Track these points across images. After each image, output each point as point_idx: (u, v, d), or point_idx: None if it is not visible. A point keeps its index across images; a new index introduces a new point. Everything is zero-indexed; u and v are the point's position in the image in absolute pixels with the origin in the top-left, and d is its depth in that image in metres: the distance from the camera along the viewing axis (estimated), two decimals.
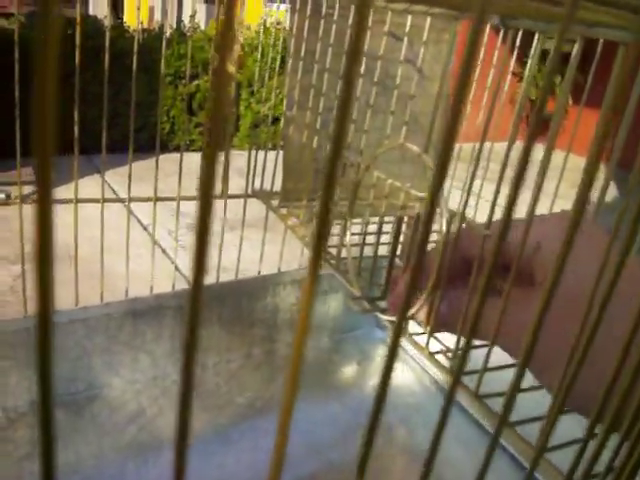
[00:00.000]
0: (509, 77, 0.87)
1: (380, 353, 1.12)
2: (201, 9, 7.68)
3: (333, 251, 0.74)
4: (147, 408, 0.94)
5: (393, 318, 0.61)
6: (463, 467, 0.89)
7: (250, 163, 0.90)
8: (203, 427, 0.94)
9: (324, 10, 0.74)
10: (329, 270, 1.03)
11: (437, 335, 0.63)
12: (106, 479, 0.90)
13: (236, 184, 1.12)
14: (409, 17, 0.70)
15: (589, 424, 0.40)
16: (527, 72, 0.61)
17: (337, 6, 0.72)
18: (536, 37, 0.63)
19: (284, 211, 0.83)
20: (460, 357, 0.29)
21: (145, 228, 3.54)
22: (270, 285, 1.00)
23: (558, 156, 0.70)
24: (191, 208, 1.06)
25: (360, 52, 0.17)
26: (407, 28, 0.71)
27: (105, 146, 0.97)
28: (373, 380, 1.11)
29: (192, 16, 4.64)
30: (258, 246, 1.08)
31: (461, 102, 0.23)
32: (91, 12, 6.40)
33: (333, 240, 0.75)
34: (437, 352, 0.61)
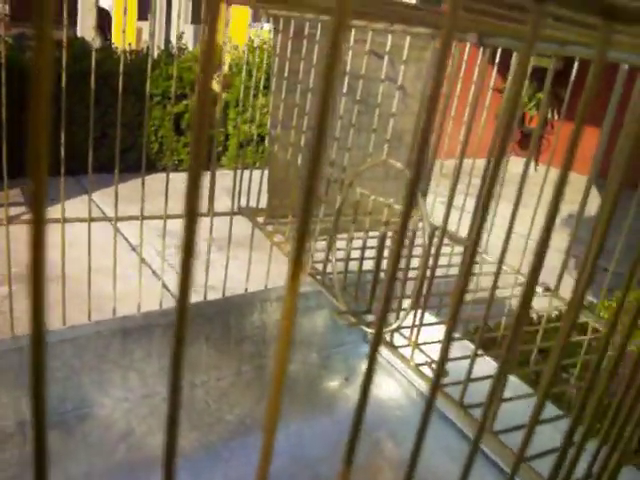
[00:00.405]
0: (489, 93, 0.89)
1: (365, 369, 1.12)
2: (189, 30, 7.73)
3: (319, 267, 0.75)
4: (136, 427, 0.94)
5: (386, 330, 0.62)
6: (448, 477, 0.90)
7: (236, 181, 0.91)
8: (192, 445, 0.94)
9: (307, 30, 0.76)
10: (316, 287, 1.04)
11: (422, 347, 0.64)
12: None
13: (223, 203, 1.13)
14: (389, 36, 0.72)
15: (567, 430, 0.41)
16: (507, 89, 0.62)
17: (319, 26, 0.74)
18: (514, 55, 0.65)
19: (270, 228, 0.84)
20: (439, 364, 0.30)
21: (134, 249, 3.53)
22: (257, 302, 1.01)
23: (551, 171, 0.71)
24: (179, 227, 1.06)
25: (334, 68, 0.18)
26: (388, 47, 0.72)
27: (93, 167, 0.98)
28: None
29: (179, 37, 4.67)
30: (245, 264, 1.09)
31: (431, 114, 0.24)
32: (79, 34, 6.42)
33: (319, 256, 0.76)
34: (422, 364, 0.62)
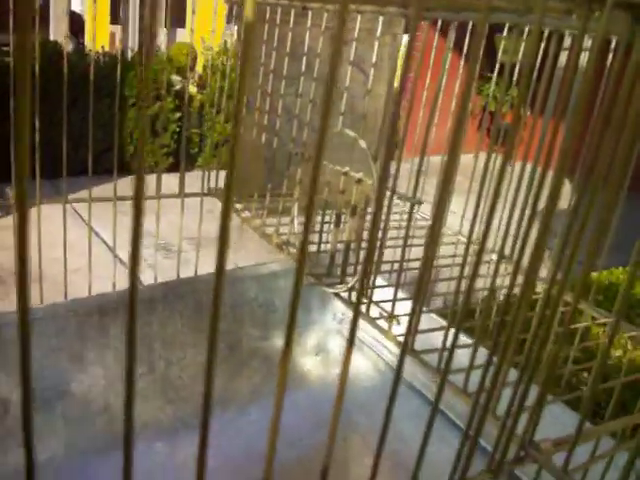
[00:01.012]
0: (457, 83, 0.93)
1: (337, 344, 1.17)
2: (162, 32, 7.74)
3: (285, 238, 0.79)
4: (113, 402, 0.97)
5: (336, 291, 0.67)
6: (416, 442, 0.94)
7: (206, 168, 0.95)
8: (169, 418, 0.98)
9: (267, 15, 0.80)
10: (284, 265, 1.08)
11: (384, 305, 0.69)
12: (76, 471, 0.93)
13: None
14: (359, 17, 0.76)
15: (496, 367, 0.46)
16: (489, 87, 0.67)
17: (279, 11, 0.79)
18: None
19: (239, 206, 0.89)
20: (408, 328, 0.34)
21: (111, 249, 3.55)
22: (229, 280, 1.05)
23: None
24: (152, 226, 1.10)
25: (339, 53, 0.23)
26: (357, 29, 0.77)
27: (68, 169, 1.02)
28: (333, 370, 1.16)
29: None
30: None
31: (401, 90, 0.29)
32: (52, 37, 6.41)
33: (284, 230, 0.81)
34: (399, 335, 0.67)
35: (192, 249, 1.19)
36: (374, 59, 0.90)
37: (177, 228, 1.06)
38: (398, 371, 0.44)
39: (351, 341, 0.35)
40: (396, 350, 1.06)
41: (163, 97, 4.62)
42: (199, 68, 5.90)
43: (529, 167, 0.52)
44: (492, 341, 0.42)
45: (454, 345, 0.48)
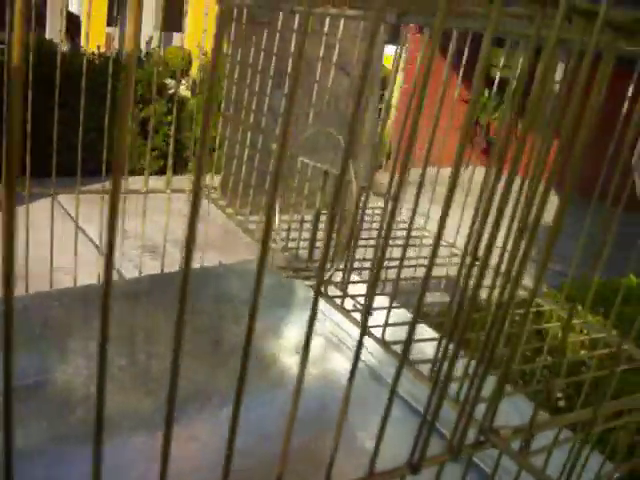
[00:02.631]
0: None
1: (318, 343, 1.19)
2: (155, 35, 7.77)
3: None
4: (95, 392, 0.99)
5: (310, 283, 0.69)
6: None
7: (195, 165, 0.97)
8: (149, 409, 0.99)
9: (245, 16, 0.83)
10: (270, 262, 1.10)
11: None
12: (57, 460, 0.95)
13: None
14: (327, 19, 0.79)
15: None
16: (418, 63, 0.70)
17: (257, 12, 0.81)
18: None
19: (223, 202, 0.91)
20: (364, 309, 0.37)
21: (97, 246, 3.56)
22: (212, 276, 1.07)
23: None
24: (146, 230, 1.12)
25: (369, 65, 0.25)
26: (325, 29, 0.80)
27: (59, 170, 1.04)
28: (313, 368, 1.18)
29: (148, 42, 4.71)
30: (202, 235, 1.15)
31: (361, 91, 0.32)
32: (47, 36, 6.42)
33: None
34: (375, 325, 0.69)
35: (178, 251, 1.21)
36: (356, 62, 0.92)
37: (165, 229, 1.08)
38: (356, 356, 0.46)
39: (311, 323, 0.37)
40: (373, 347, 1.08)
41: (155, 100, 4.64)
42: (193, 72, 5.93)
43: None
44: (449, 329, 0.45)
45: (411, 334, 0.51)
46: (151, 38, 4.80)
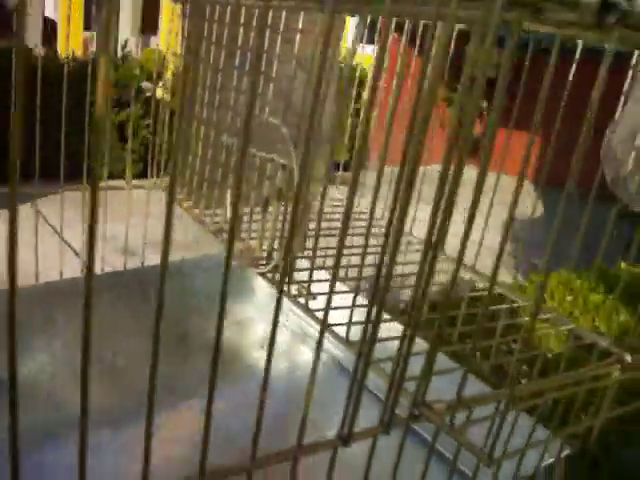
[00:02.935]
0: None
1: (283, 337, 1.20)
2: (133, 39, 7.75)
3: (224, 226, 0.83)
4: (58, 387, 1.00)
5: (261, 271, 0.71)
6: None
7: (150, 155, 0.98)
8: (114, 404, 1.00)
9: (208, 13, 0.84)
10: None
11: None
12: (23, 457, 0.95)
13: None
14: (283, 12, 0.80)
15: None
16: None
17: (216, 8, 0.82)
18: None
19: (181, 196, 0.92)
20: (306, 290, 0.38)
21: (77, 254, 3.55)
22: (175, 271, 1.08)
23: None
24: (121, 231, 1.13)
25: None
26: (282, 22, 0.81)
27: (39, 174, 1.05)
28: (280, 362, 1.19)
29: (124, 46, 4.70)
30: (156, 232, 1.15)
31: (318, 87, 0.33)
32: (25, 42, 6.39)
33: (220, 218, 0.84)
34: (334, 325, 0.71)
35: (154, 252, 1.21)
36: (313, 57, 0.94)
37: (143, 234, 1.08)
38: (269, 335, 0.48)
39: (274, 323, 0.38)
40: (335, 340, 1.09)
41: (132, 103, 4.63)
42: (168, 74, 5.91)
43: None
44: (372, 293, 0.46)
45: (330, 296, 0.52)
46: (126, 41, 4.79)
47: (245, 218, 0.78)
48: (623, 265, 2.36)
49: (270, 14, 0.82)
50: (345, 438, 0.46)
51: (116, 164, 4.63)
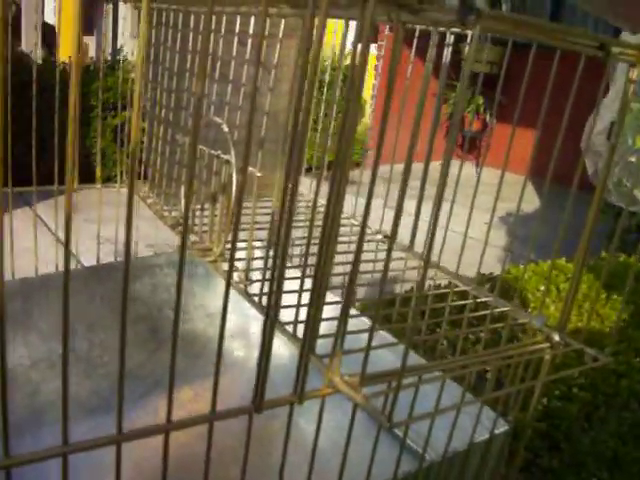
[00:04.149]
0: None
1: (253, 331, 1.25)
2: (129, 44, 7.81)
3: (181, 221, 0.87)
4: (35, 378, 1.05)
5: (209, 259, 0.75)
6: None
7: (122, 158, 1.03)
8: (86, 391, 1.05)
9: (162, 19, 0.89)
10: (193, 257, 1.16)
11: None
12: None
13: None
14: (252, 19, 0.84)
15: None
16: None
17: (171, 15, 0.87)
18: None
19: (142, 193, 0.97)
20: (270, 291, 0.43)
21: (78, 261, 3.61)
22: (147, 266, 1.13)
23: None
24: (113, 234, 1.17)
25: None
26: (250, 30, 0.85)
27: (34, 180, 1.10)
28: (253, 351, 1.24)
29: (120, 49, 4.76)
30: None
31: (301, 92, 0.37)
32: (24, 48, 6.46)
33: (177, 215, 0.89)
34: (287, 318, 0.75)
35: (148, 251, 1.25)
36: (276, 60, 0.98)
37: (140, 236, 1.13)
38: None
39: (224, 313, 0.43)
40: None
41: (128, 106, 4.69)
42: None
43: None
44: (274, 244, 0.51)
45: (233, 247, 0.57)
46: (122, 46, 4.85)
47: (198, 212, 0.83)
48: (605, 254, 2.40)
49: (224, 19, 0.86)
50: (258, 406, 0.51)
51: (115, 168, 4.69)
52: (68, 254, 0.40)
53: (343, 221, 1.05)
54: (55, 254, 1.17)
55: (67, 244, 0.42)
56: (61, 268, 1.20)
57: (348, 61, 0.60)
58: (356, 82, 0.46)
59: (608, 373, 1.42)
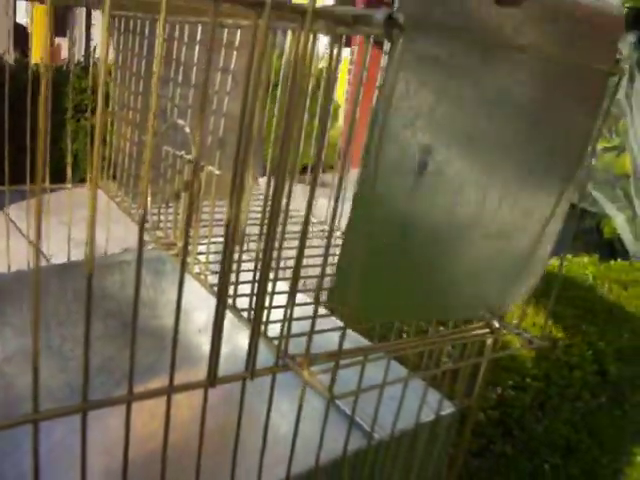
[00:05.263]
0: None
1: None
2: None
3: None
4: (8, 372, 1.08)
5: (172, 252, 0.80)
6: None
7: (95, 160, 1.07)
8: (59, 385, 1.09)
9: (125, 26, 0.93)
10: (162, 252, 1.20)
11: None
12: None
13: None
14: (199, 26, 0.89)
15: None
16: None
17: (138, 21, 0.92)
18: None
19: (111, 193, 1.01)
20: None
21: (48, 260, 3.63)
22: (116, 263, 1.17)
23: None
24: (85, 236, 1.20)
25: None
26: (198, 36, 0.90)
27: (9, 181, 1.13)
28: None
29: (93, 50, 4.77)
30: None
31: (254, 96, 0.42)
32: None
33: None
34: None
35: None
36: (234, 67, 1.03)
37: (111, 237, 1.17)
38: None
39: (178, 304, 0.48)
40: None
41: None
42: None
43: None
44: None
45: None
46: (94, 47, 4.86)
47: (163, 210, 0.87)
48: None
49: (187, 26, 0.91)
50: (212, 382, 0.56)
51: (87, 169, 4.70)
52: (37, 250, 0.45)
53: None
54: (27, 255, 1.21)
55: (38, 233, 0.46)
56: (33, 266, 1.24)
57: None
58: (301, 83, 0.52)
59: (561, 365, 1.49)
